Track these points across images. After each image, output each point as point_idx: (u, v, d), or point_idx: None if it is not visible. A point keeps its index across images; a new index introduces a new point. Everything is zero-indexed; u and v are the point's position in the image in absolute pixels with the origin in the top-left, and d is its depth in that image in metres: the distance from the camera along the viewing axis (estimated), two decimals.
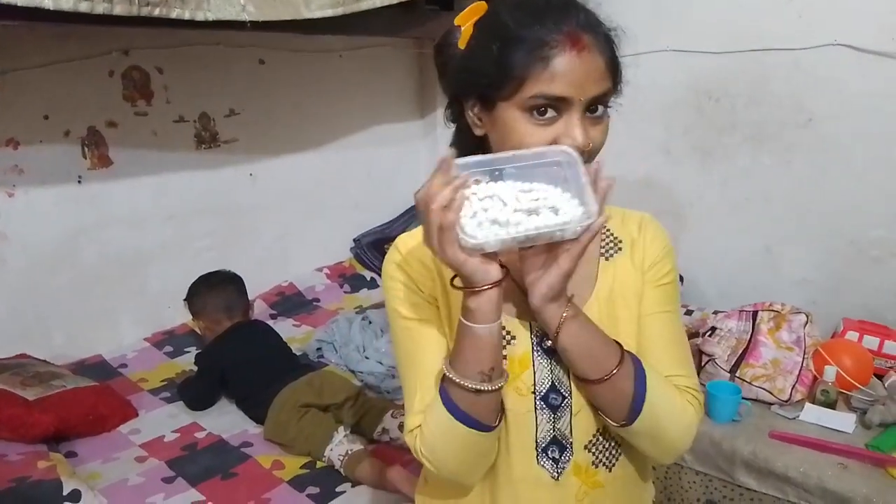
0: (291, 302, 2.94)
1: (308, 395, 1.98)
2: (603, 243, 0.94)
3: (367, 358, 2.35)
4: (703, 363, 2.02)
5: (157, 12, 1.56)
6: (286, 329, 2.71)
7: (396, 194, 3.31)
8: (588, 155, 0.80)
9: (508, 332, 0.89)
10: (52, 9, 1.38)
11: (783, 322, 2.12)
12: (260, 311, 2.84)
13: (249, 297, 2.46)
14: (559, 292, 0.78)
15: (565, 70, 0.76)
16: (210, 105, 2.69)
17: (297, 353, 2.47)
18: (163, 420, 2.09)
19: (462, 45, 0.85)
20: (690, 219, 2.73)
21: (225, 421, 2.08)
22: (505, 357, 0.87)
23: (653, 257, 0.93)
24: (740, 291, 2.54)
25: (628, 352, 0.86)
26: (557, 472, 0.90)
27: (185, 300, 2.40)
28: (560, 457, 0.90)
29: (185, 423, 2.07)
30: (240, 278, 2.45)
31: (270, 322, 2.77)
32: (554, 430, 0.90)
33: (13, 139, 2.23)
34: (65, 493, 1.64)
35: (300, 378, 2.05)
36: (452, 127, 0.93)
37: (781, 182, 2.48)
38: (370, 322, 2.59)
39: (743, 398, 1.88)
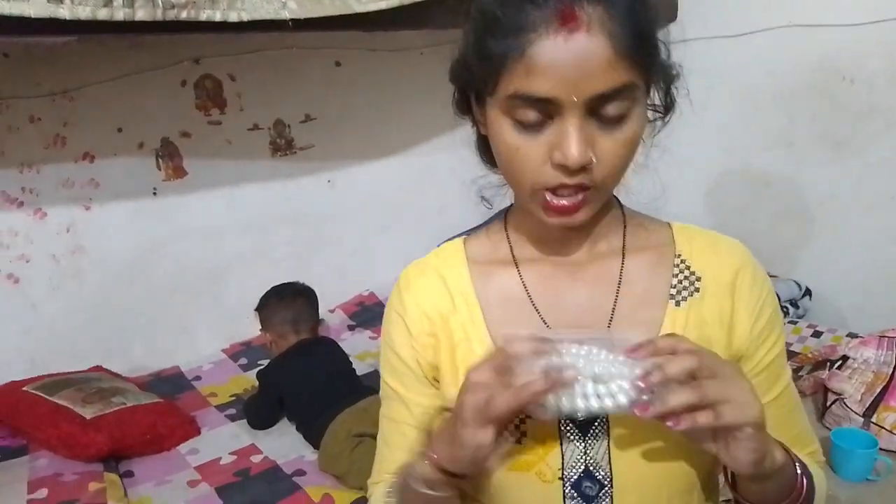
0: (371, 312, 2.82)
1: (364, 422, 1.82)
2: (675, 280, 0.71)
3: None
4: (828, 403, 1.66)
5: (183, 15, 1.45)
6: (362, 342, 2.59)
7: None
8: (601, 174, 0.62)
9: None
10: (68, 18, 1.31)
11: None
12: (339, 322, 2.75)
13: (329, 308, 2.35)
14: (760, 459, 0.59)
15: (547, 60, 0.56)
16: (285, 111, 2.62)
17: (370, 369, 2.34)
18: (223, 440, 2.02)
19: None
20: (819, 222, 2.32)
21: (283, 443, 1.98)
22: (524, 434, 0.68)
23: (752, 316, 0.70)
24: (882, 312, 2.11)
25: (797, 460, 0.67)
26: None
27: (255, 311, 2.34)
28: None
29: (244, 445, 1.99)
30: (312, 292, 2.35)
31: (348, 334, 2.68)
32: None
33: (88, 153, 2.25)
34: None
35: (357, 403, 1.90)
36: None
37: None
38: None
39: (881, 451, 1.50)
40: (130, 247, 2.37)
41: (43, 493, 1.65)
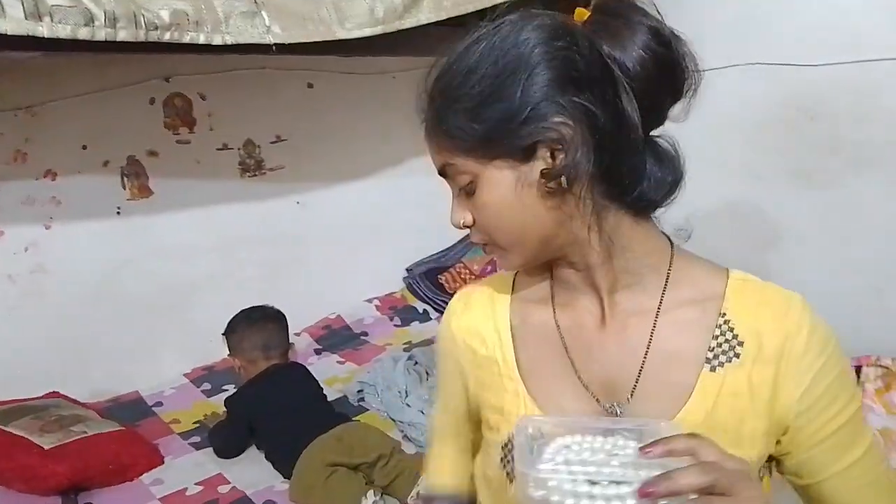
0: (338, 336, 2.78)
1: (337, 452, 1.79)
2: (714, 343, 0.67)
3: (408, 406, 2.15)
4: None
5: (167, 37, 1.43)
6: (330, 367, 2.55)
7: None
8: (483, 235, 0.70)
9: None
10: (47, 37, 1.26)
11: (895, 381, 1.78)
12: (306, 345, 2.71)
13: (295, 331, 2.31)
14: None
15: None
16: (255, 131, 2.59)
17: (339, 395, 2.30)
18: (188, 469, 1.95)
19: None
20: (783, 252, 2.39)
21: (252, 473, 1.93)
22: None
23: (800, 386, 0.64)
24: (845, 344, 2.17)
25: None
26: None
27: (223, 335, 2.28)
28: None
29: (210, 475, 1.92)
30: (283, 316, 2.30)
31: (314, 358, 2.64)
32: None
33: (51, 170, 2.18)
34: None
35: (331, 431, 1.87)
36: None
37: (894, 212, 2.12)
38: (416, 363, 2.40)
39: None
40: (93, 267, 2.29)
41: None
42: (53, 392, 2.14)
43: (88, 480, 1.80)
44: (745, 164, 2.42)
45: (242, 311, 2.27)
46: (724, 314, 0.67)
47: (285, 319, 2.30)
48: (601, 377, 0.70)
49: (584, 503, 0.56)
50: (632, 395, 0.68)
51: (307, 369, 2.22)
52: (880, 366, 1.84)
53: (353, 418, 2.13)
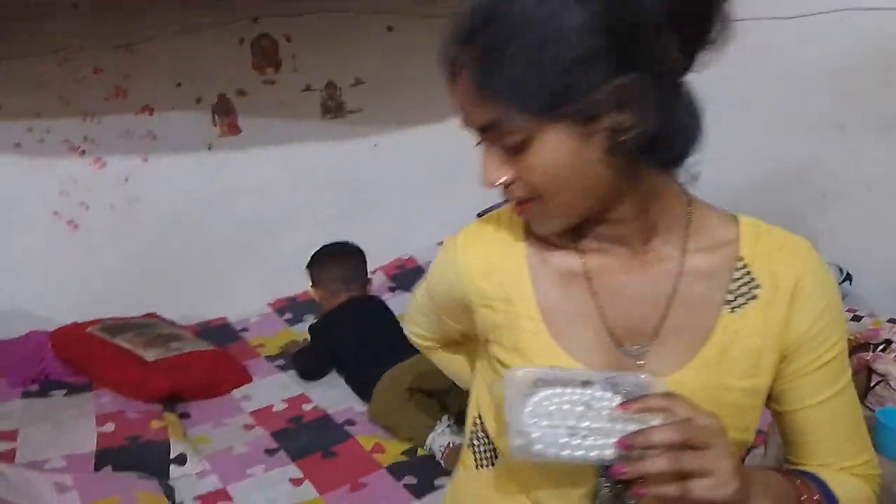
0: (411, 276, 2.87)
1: (414, 378, 1.89)
2: (734, 286, 0.70)
3: None
4: (872, 384, 1.70)
5: None
6: (402, 304, 2.62)
7: None
8: (529, 191, 0.66)
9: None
10: None
11: None
12: (379, 283, 2.80)
13: (370, 271, 2.41)
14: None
15: (453, 100, 0.67)
16: (337, 74, 2.65)
17: None
18: (274, 388, 2.09)
19: None
20: (864, 206, 2.33)
21: (333, 395, 2.05)
22: None
23: (808, 321, 0.69)
24: None
25: (814, 485, 0.69)
26: None
27: (306, 268, 2.39)
28: None
29: (294, 394, 2.06)
30: (362, 252, 2.40)
31: (388, 295, 2.73)
32: None
33: (148, 106, 2.31)
34: (172, 455, 1.67)
35: (408, 360, 1.96)
36: None
37: None
38: None
39: None
40: (185, 199, 2.43)
41: (110, 426, 1.73)
42: (151, 313, 2.31)
43: (185, 392, 1.96)
44: (827, 112, 2.34)
45: (325, 246, 2.37)
46: (742, 258, 0.71)
47: (364, 255, 2.39)
48: (624, 321, 0.71)
49: (566, 453, 0.61)
50: (653, 338, 0.70)
51: (384, 302, 2.31)
52: None
53: None
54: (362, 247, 2.44)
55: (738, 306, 0.70)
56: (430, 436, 1.76)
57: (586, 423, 0.61)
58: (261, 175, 2.57)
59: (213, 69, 2.38)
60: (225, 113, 2.44)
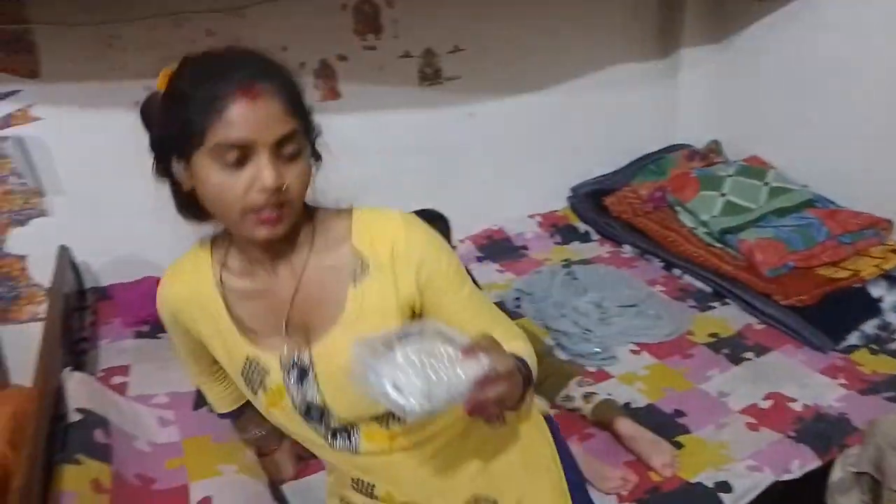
0: (499, 247, 2.88)
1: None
2: (350, 269, 0.94)
3: (563, 316, 2.21)
4: None
5: None
6: (489, 274, 2.66)
7: (622, 143, 3.06)
8: (290, 196, 0.86)
9: (259, 365, 0.97)
10: None
11: None
12: (467, 252, 2.83)
13: (458, 239, 2.42)
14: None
15: (241, 117, 0.82)
16: (435, 41, 2.66)
17: (496, 300, 2.41)
18: None
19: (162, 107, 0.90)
20: None
21: None
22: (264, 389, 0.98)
23: (413, 271, 0.93)
24: None
25: (512, 357, 0.87)
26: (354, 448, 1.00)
27: None
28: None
29: None
30: (446, 219, 2.41)
31: (475, 265, 2.75)
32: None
33: None
34: None
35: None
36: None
37: None
38: (575, 278, 2.44)
39: None
40: None
41: None
42: None
43: None
44: None
45: (412, 212, 2.40)
46: (354, 245, 0.94)
47: (448, 222, 2.40)
48: (294, 320, 0.96)
49: (439, 390, 0.75)
50: (309, 326, 0.95)
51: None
52: None
53: None
54: (451, 216, 2.46)
55: (360, 281, 0.94)
56: None
57: (443, 369, 0.76)
58: (357, 140, 2.61)
59: (316, 34, 2.44)
60: (326, 77, 2.51)
